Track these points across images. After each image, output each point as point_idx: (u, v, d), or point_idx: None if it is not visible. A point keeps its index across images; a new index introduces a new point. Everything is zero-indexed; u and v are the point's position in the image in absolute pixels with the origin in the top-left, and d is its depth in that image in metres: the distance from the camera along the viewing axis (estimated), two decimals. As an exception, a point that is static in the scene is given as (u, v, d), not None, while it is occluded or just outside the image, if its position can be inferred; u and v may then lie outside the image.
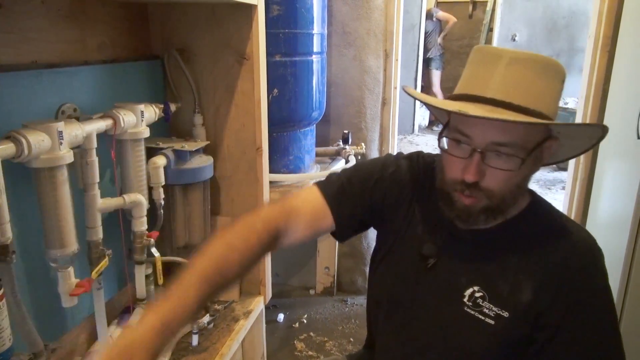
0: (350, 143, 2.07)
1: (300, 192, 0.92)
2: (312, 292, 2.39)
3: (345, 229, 0.91)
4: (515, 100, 0.71)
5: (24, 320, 0.95)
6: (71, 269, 1.05)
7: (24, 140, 0.88)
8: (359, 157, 2.09)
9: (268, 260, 1.69)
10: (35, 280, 1.10)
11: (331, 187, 0.90)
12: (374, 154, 2.20)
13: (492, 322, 0.79)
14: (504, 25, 5.02)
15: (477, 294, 0.80)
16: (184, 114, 1.54)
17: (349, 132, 2.06)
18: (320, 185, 0.91)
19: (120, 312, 1.44)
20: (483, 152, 0.73)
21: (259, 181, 1.58)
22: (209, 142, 1.50)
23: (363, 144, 2.11)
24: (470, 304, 0.80)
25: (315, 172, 1.92)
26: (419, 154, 0.94)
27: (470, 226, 0.82)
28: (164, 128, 1.56)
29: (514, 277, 0.79)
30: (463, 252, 0.84)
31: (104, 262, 1.12)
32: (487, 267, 0.81)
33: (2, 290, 0.87)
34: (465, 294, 0.81)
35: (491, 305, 0.79)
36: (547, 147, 0.77)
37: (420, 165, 0.92)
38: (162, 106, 1.34)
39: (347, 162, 2.05)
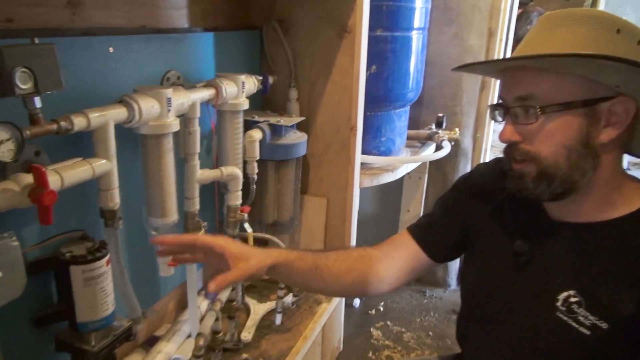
0: (443, 127, 1.95)
1: (393, 238, 0.96)
2: (389, 279, 2.31)
3: (440, 255, 0.92)
4: (550, 51, 0.67)
5: (126, 287, 0.95)
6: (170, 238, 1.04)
7: (135, 106, 0.86)
8: (452, 143, 1.96)
9: (352, 244, 1.63)
10: (134, 248, 1.11)
11: (417, 224, 0.95)
12: (468, 141, 2.06)
13: (587, 332, 0.68)
14: (609, 7, 4.57)
15: (572, 299, 0.71)
16: (278, 88, 1.49)
17: (443, 116, 1.93)
18: (411, 229, 0.94)
19: (208, 283, 1.45)
20: (510, 109, 0.71)
21: (350, 162, 1.51)
22: (304, 117, 1.44)
23: (457, 129, 1.98)
24: (564, 309, 0.71)
25: (406, 156, 1.82)
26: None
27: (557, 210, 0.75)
28: (258, 101, 1.53)
29: (616, 285, 0.68)
30: (559, 250, 0.74)
31: (200, 234, 1.10)
32: (586, 270, 0.71)
33: (108, 255, 0.86)
34: (559, 297, 0.71)
35: (588, 314, 0.69)
36: (616, 107, 0.67)
37: (497, 162, 0.87)
38: (261, 78, 1.30)
39: (439, 147, 1.93)
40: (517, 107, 0.70)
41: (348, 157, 1.50)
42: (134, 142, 1.00)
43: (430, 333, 1.95)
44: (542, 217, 0.77)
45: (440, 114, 1.94)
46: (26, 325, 0.86)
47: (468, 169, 2.12)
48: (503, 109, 0.73)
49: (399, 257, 0.91)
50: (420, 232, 0.93)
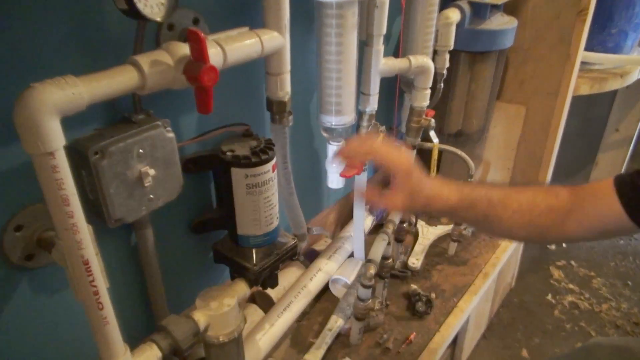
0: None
1: (594, 187, 0.65)
2: (574, 210, 1.93)
3: None
4: None
5: (292, 197, 0.78)
6: (343, 143, 0.83)
7: (317, -44, 0.62)
8: None
9: (551, 167, 1.29)
10: (300, 152, 0.93)
11: (630, 180, 0.61)
12: None
13: None
14: None
15: None
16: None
17: None
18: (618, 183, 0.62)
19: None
20: None
21: (570, 59, 1.13)
22: (516, -5, 1.08)
23: None
24: None
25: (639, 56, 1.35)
26: None
27: None
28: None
29: None
30: None
31: (379, 141, 0.88)
32: None
33: (275, 159, 0.68)
34: None
35: None
36: None
37: None
38: None
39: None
40: None
41: (567, 53, 1.12)
42: (309, 15, 0.77)
43: (629, 282, 1.58)
44: None
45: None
46: (184, 230, 0.74)
47: None
48: None
49: (595, 214, 0.64)
50: (632, 193, 0.61)
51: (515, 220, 0.67)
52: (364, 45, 0.83)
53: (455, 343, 1.24)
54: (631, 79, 1.29)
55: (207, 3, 0.64)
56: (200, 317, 0.65)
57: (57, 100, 0.41)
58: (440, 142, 1.15)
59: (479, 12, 1.01)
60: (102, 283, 0.51)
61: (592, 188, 0.66)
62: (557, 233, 0.67)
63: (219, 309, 0.65)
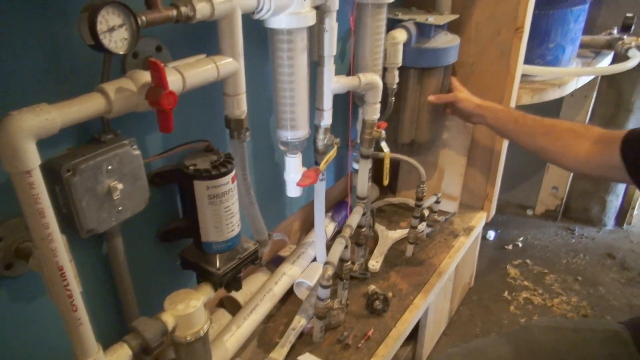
0: (631, 32, 1.53)
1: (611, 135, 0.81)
2: (529, 212, 2.05)
3: None
4: None
5: (252, 206, 0.85)
6: (300, 156, 0.91)
7: (266, -10, 0.70)
8: (640, 53, 1.55)
9: (499, 171, 1.39)
10: (261, 164, 1.00)
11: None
12: (660, 49, 1.62)
13: None
14: None
15: None
16: (427, -21, 1.23)
17: (634, 16, 1.51)
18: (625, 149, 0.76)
19: (333, 205, 1.33)
20: None
21: (509, 73, 1.23)
22: (457, 15, 1.18)
23: (649, 34, 1.55)
24: None
25: (580, 68, 1.47)
26: None
27: None
28: (401, -3, 1.28)
29: None
30: None
31: (333, 152, 0.96)
32: None
33: (234, 171, 0.75)
34: None
35: None
36: None
37: None
38: (410, -37, 1.05)
39: (620, 58, 1.53)
40: None
41: (507, 66, 1.23)
42: (264, 41, 0.85)
43: (579, 278, 1.70)
44: None
45: (629, 14, 1.52)
46: (152, 239, 0.80)
47: (653, 87, 1.69)
48: None
49: (602, 156, 0.82)
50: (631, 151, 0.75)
51: (540, 123, 0.96)
52: (317, 66, 0.92)
53: (416, 340, 1.32)
54: (569, 89, 1.41)
55: (169, 32, 0.70)
56: (168, 318, 0.71)
57: (32, 126, 0.47)
58: (395, 151, 1.23)
59: (424, 32, 1.11)
60: (75, 287, 0.57)
61: (611, 135, 0.81)
62: (572, 152, 0.87)
63: (186, 310, 0.71)
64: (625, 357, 0.77)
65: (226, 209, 0.76)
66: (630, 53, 1.48)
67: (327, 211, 1.29)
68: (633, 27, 1.53)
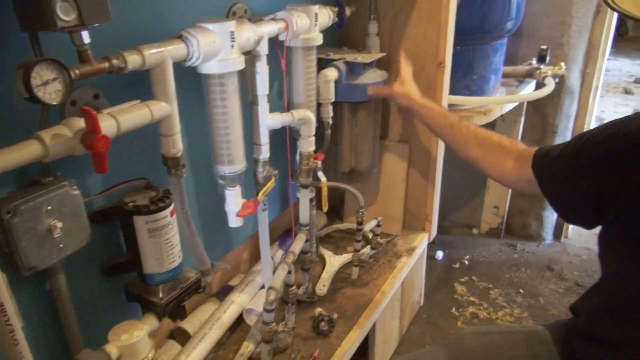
0: (547, 62, 1.69)
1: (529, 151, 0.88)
2: (475, 231, 2.16)
3: (572, 217, 0.82)
4: None
5: (193, 238, 0.90)
6: (239, 188, 0.97)
7: (194, 41, 0.77)
8: (557, 80, 1.70)
9: (436, 194, 1.49)
10: (203, 197, 1.06)
11: (542, 157, 0.83)
12: (575, 77, 1.78)
13: None
14: None
15: None
16: (356, 21, 1.34)
17: (547, 48, 1.67)
18: (535, 165, 0.84)
19: (281, 234, 1.39)
20: None
21: (437, 103, 1.34)
22: (384, 54, 1.29)
23: (563, 63, 1.71)
24: None
25: (502, 96, 1.60)
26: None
27: None
28: (333, 37, 1.39)
29: None
30: None
31: (271, 183, 1.03)
32: None
33: (172, 206, 0.81)
34: None
35: None
36: None
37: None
38: (337, 9, 1.16)
39: (540, 85, 1.68)
40: None
41: (434, 97, 1.34)
42: (200, 83, 0.92)
43: (521, 290, 1.80)
44: None
45: (543, 47, 1.68)
46: (97, 274, 0.84)
47: (573, 110, 1.85)
48: None
49: (522, 171, 0.87)
50: (540, 165, 0.83)
51: (472, 134, 0.99)
52: (252, 104, 0.99)
53: (367, 359, 1.37)
54: (493, 115, 1.54)
55: (106, 80, 0.76)
56: (112, 349, 0.74)
57: (-29, 173, 0.52)
58: (336, 180, 1.32)
59: (354, 69, 1.21)
60: (16, 322, 0.61)
61: (529, 152, 0.87)
62: (499, 167, 0.93)
63: (129, 340, 0.76)
64: (545, 355, 0.85)
65: (166, 242, 0.81)
66: (546, 81, 1.64)
67: (274, 240, 1.36)
68: (548, 58, 1.68)
